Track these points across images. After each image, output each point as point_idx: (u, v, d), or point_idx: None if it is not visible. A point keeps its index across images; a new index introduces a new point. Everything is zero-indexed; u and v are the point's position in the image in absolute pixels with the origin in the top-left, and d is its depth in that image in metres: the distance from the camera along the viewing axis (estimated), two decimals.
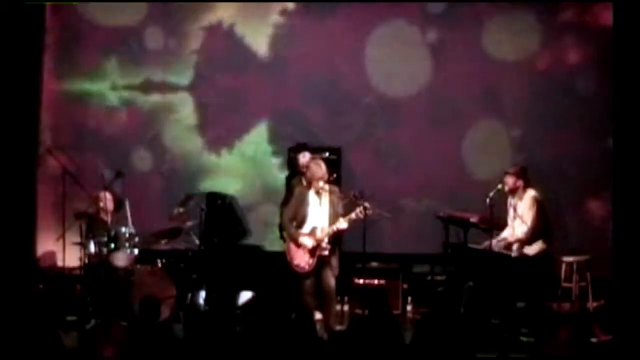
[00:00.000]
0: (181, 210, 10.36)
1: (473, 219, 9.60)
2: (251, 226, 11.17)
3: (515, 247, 9.48)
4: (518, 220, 9.49)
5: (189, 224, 10.37)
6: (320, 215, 9.33)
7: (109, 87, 11.76)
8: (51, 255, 10.99)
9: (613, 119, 11.00)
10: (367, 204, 9.21)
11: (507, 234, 9.59)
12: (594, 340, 7.66)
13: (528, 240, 9.42)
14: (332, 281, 9.34)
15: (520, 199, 9.52)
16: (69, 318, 9.81)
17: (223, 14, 11.67)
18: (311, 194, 9.37)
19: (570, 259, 10.55)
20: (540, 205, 9.44)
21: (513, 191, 9.56)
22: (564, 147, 11.35)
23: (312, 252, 9.30)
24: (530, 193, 9.48)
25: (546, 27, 11.42)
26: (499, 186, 9.49)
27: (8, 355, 6.26)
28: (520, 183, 9.55)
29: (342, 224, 9.24)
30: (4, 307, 8.99)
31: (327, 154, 10.87)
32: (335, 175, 10.24)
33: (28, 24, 11.22)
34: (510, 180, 9.54)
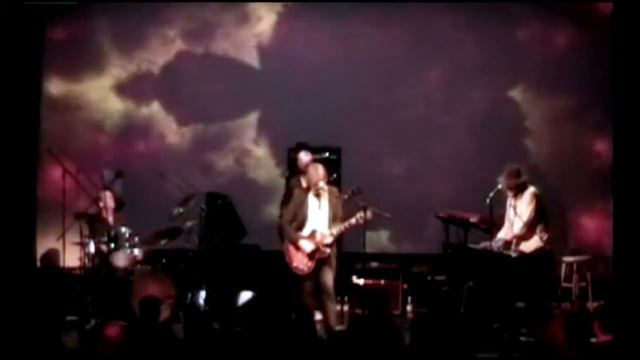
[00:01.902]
0: (181, 210, 10.36)
1: (473, 219, 9.59)
2: (251, 226, 11.12)
3: (513, 243, 9.48)
4: (518, 219, 9.49)
5: (189, 224, 10.38)
6: (319, 218, 9.28)
7: (107, 87, 11.77)
8: (55, 253, 10.91)
9: (613, 118, 11.01)
10: (366, 205, 9.17)
11: (503, 234, 9.58)
12: (594, 340, 7.65)
13: (524, 234, 9.41)
14: (330, 282, 9.31)
15: (520, 198, 9.51)
16: (69, 318, 9.83)
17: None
18: (310, 196, 9.32)
19: (570, 259, 10.55)
20: (539, 201, 9.44)
21: (514, 193, 9.55)
22: (564, 146, 11.35)
23: (312, 254, 9.26)
24: (530, 190, 9.49)
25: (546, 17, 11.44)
26: (499, 186, 9.49)
27: (8, 355, 6.27)
28: (518, 183, 9.53)
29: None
30: (4, 307, 8.99)
31: (327, 154, 10.87)
32: (335, 175, 10.23)
33: (28, 24, 11.23)
34: (508, 183, 9.52)
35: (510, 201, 9.59)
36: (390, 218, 10.04)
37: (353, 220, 9.18)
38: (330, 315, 9.34)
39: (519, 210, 9.45)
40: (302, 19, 11.70)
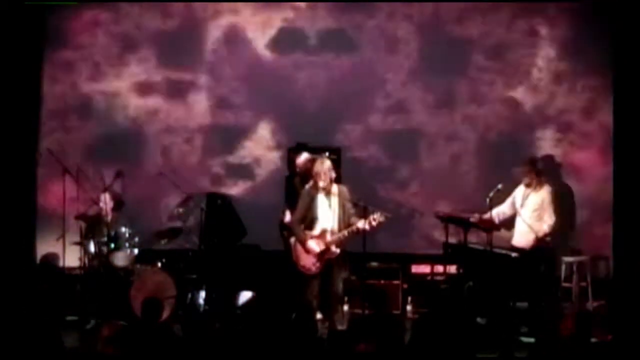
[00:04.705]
0: (181, 210, 10.36)
1: (473, 219, 9.61)
2: (251, 225, 11.10)
3: (531, 240, 9.52)
4: (526, 210, 9.54)
5: (190, 223, 10.37)
6: (330, 218, 9.19)
7: (108, 88, 11.77)
8: (54, 256, 10.89)
9: (614, 118, 11.02)
10: (366, 206, 9.11)
11: (495, 212, 9.66)
12: (594, 340, 7.67)
13: (555, 232, 9.59)
14: (340, 284, 9.26)
15: (537, 190, 9.60)
16: (69, 318, 9.83)
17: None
18: (320, 196, 9.22)
19: (570, 259, 10.55)
20: (558, 200, 9.59)
21: (530, 184, 9.64)
22: (564, 144, 11.35)
23: (321, 255, 9.19)
24: (548, 188, 9.62)
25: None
26: (499, 186, 9.52)
27: (8, 355, 6.27)
28: (535, 173, 9.65)
29: (362, 223, 8.98)
30: (4, 307, 9.00)
31: (327, 154, 10.85)
32: (335, 176, 10.21)
33: (28, 24, 11.23)
34: (527, 173, 9.62)
35: (521, 188, 9.65)
36: (391, 218, 10.03)
37: (373, 224, 8.99)
38: (334, 318, 9.28)
39: (535, 202, 9.50)
40: (304, 19, 11.68)
